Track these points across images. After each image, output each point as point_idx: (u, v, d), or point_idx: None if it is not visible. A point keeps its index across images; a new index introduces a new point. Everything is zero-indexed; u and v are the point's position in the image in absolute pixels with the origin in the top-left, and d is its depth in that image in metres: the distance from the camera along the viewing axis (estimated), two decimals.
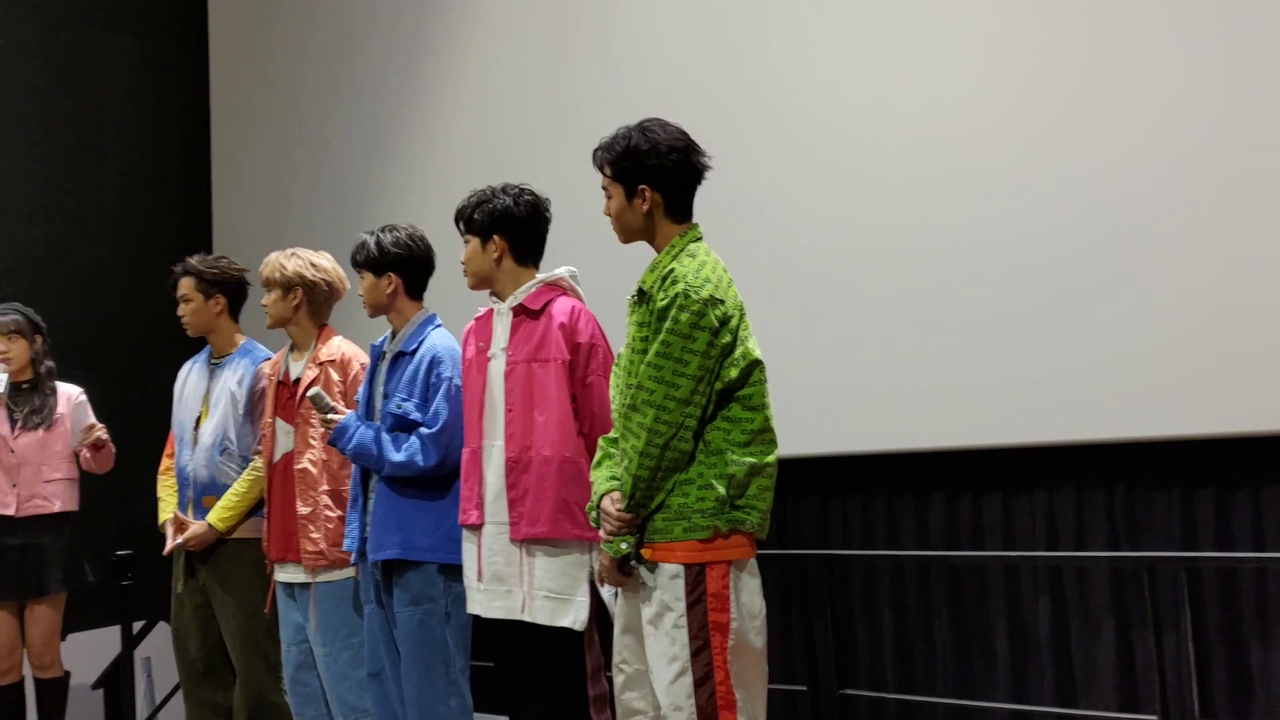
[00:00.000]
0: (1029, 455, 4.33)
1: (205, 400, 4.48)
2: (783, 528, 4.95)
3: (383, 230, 3.88)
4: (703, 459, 2.96)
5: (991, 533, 4.48)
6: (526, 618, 3.41)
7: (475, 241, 3.57)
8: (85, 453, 4.86)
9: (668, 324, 2.92)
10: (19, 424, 4.74)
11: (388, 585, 3.77)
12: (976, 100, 4.36)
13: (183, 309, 4.49)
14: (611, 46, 5.31)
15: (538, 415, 3.41)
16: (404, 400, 3.74)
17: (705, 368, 2.93)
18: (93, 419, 4.95)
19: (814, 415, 4.62)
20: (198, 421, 4.47)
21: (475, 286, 3.63)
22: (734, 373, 2.96)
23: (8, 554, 4.66)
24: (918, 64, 4.48)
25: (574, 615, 3.37)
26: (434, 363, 3.74)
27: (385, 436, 3.72)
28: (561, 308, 3.48)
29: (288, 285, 4.15)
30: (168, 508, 4.52)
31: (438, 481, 3.69)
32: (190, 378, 4.58)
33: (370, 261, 3.84)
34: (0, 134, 6.70)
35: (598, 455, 3.19)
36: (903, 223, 4.49)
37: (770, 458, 3.00)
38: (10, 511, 4.68)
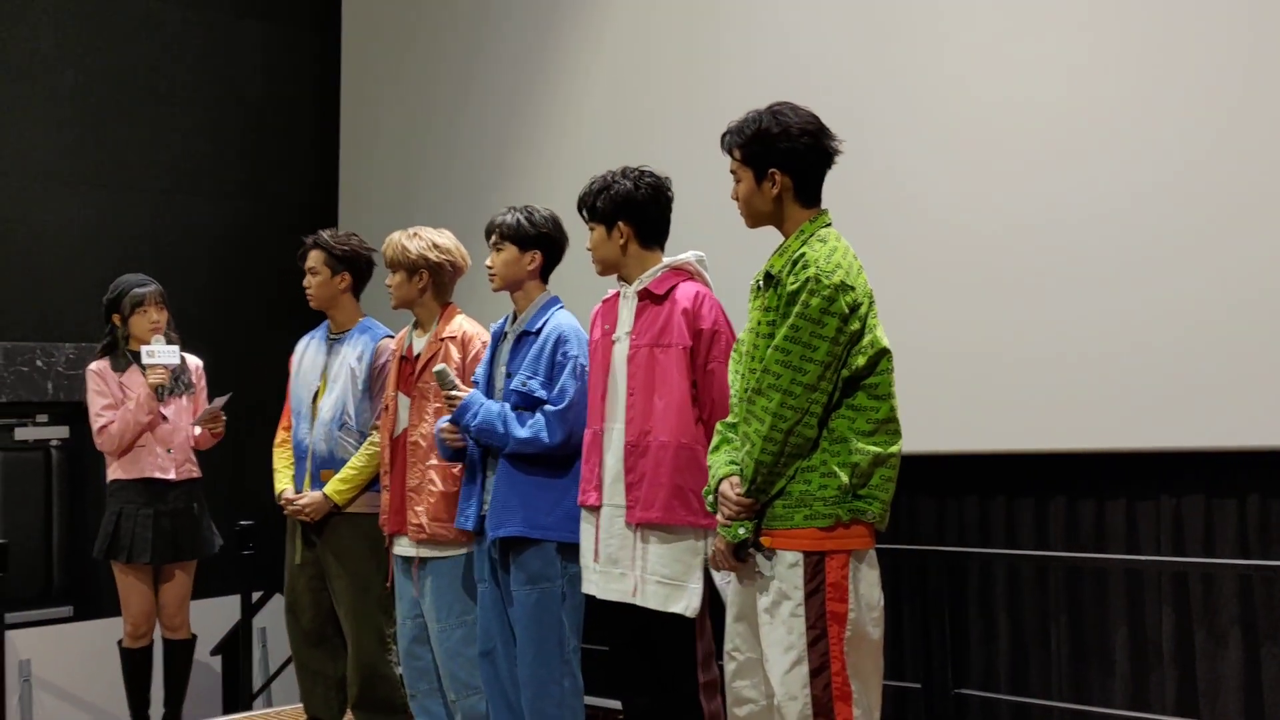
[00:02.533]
0: (1157, 461, 4.22)
1: (324, 375, 4.55)
2: (897, 525, 4.87)
3: (527, 209, 3.90)
4: (826, 446, 2.93)
5: (1114, 538, 4.38)
6: (639, 601, 3.42)
7: (600, 229, 3.58)
8: (202, 432, 4.93)
9: (797, 308, 2.90)
10: (167, 391, 4.87)
11: (504, 563, 3.80)
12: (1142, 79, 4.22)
13: (309, 281, 4.56)
14: (750, 27, 5.26)
15: (657, 400, 3.41)
16: (529, 378, 3.76)
17: (833, 354, 2.90)
18: (205, 386, 5.06)
19: (934, 412, 4.55)
20: (315, 396, 4.55)
21: (603, 273, 3.65)
22: (861, 360, 2.93)
23: (162, 519, 4.80)
24: (1065, 41, 4.34)
25: (686, 601, 3.37)
26: (560, 341, 3.76)
27: (510, 413, 3.74)
28: (685, 293, 3.47)
29: (413, 267, 4.18)
30: (284, 478, 4.61)
31: (560, 460, 3.70)
32: (308, 352, 4.66)
33: (517, 235, 3.86)
34: (137, 113, 6.91)
35: (715, 440, 3.18)
36: (1050, 224, 4.34)
37: (894, 448, 2.97)
38: (170, 476, 4.81)
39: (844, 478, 2.91)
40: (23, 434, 6.66)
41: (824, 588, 2.91)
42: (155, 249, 6.61)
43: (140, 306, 4.84)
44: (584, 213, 3.62)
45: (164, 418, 4.84)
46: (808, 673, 2.90)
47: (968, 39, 4.56)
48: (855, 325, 2.92)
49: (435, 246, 4.21)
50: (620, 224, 3.54)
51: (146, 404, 4.78)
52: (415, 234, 4.23)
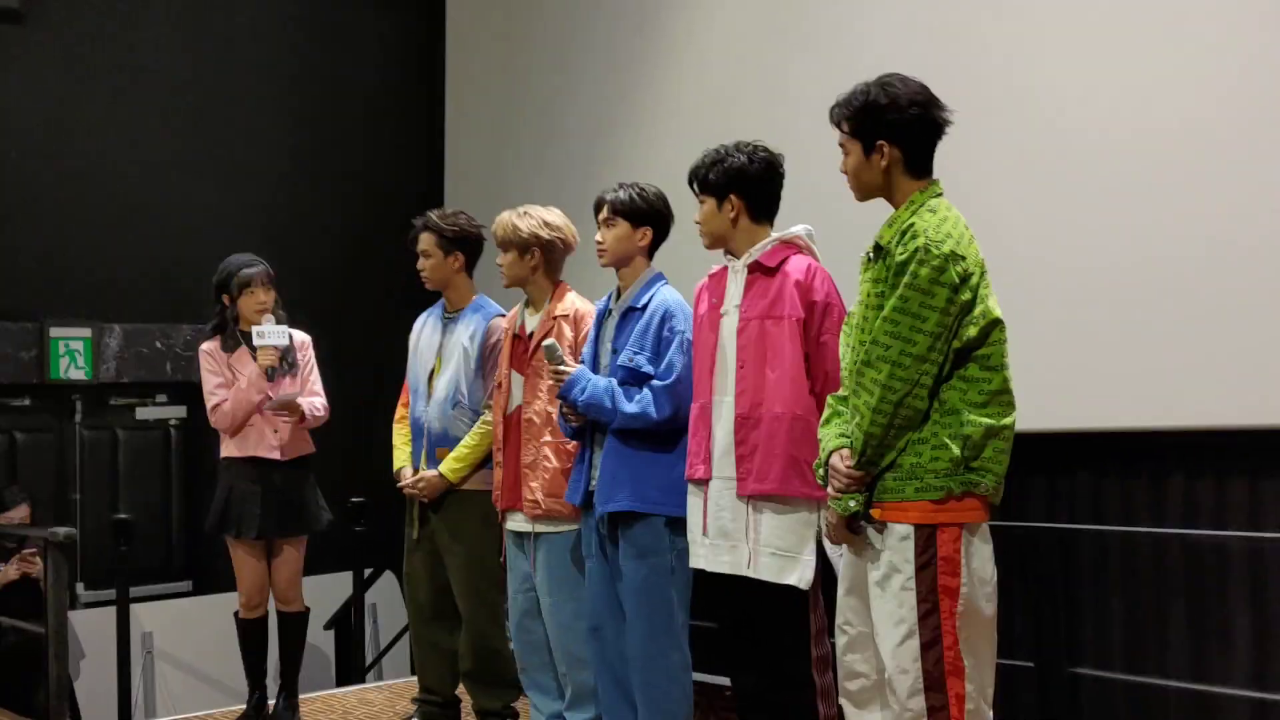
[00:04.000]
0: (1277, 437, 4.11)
1: (439, 353, 4.61)
2: (1008, 502, 4.81)
3: (636, 185, 3.90)
4: (938, 418, 2.90)
5: (1235, 515, 4.27)
6: (751, 573, 3.41)
7: (711, 202, 3.58)
8: (270, 412, 4.90)
9: (906, 279, 2.87)
10: (277, 372, 4.94)
11: (613, 538, 3.82)
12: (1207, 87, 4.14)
13: (422, 263, 4.61)
14: (844, 23, 5.23)
15: (770, 372, 3.40)
16: (635, 354, 3.77)
17: (944, 324, 2.87)
18: (314, 364, 5.11)
19: (1046, 388, 4.48)
20: (431, 374, 4.61)
21: (711, 246, 3.64)
22: (973, 331, 2.89)
23: (270, 495, 4.89)
24: (1145, 49, 4.28)
25: (800, 573, 3.36)
26: (666, 316, 3.77)
27: (618, 389, 3.75)
28: (797, 265, 3.46)
29: (524, 246, 4.21)
30: (403, 455, 4.68)
31: (667, 435, 3.71)
32: (425, 331, 4.71)
33: (630, 211, 3.86)
34: (249, 101, 7.06)
35: (826, 413, 3.16)
36: (1151, 199, 4.29)
37: (1008, 419, 2.93)
38: (277, 455, 4.90)
39: (956, 450, 2.87)
40: (143, 414, 6.87)
41: (935, 561, 2.88)
42: (269, 232, 6.76)
43: (248, 287, 4.91)
44: (695, 185, 3.62)
45: (270, 398, 4.92)
46: (919, 646, 2.88)
47: (1060, 43, 4.51)
48: (966, 295, 2.88)
49: (546, 224, 4.23)
50: (732, 197, 3.53)
51: (257, 384, 4.85)
52: (525, 212, 4.26)
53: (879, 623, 2.96)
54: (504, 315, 4.56)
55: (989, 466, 2.90)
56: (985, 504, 2.94)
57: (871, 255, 3.04)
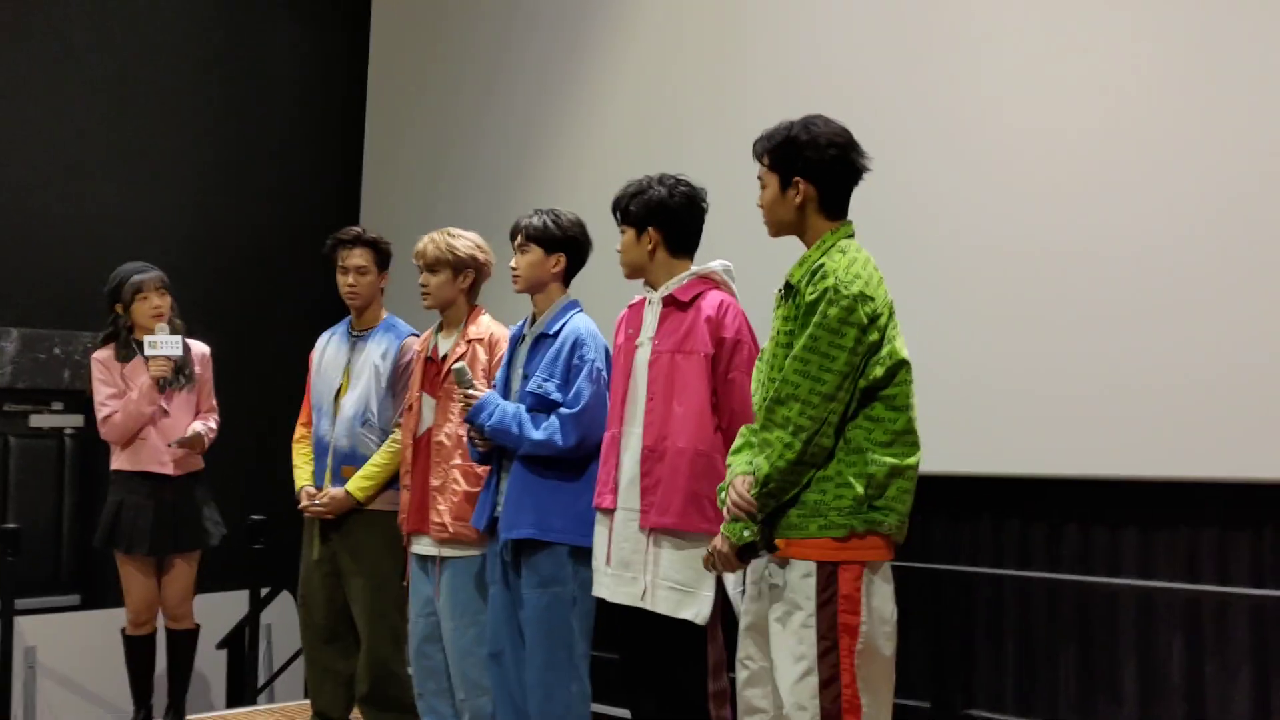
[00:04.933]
0: (1173, 490, 4.19)
1: (346, 371, 4.56)
2: (909, 543, 4.85)
3: (552, 212, 3.91)
4: (842, 456, 2.93)
5: (1127, 565, 4.36)
6: (648, 606, 3.42)
7: (631, 232, 3.59)
8: (175, 448, 4.83)
9: (815, 318, 2.91)
10: (169, 383, 4.84)
11: (516, 565, 3.80)
12: (1157, 91, 4.22)
13: (356, 280, 4.54)
14: (779, 38, 5.26)
15: (677, 406, 3.41)
16: (545, 380, 3.76)
17: (851, 364, 2.90)
18: (210, 378, 5.02)
19: (949, 433, 4.54)
20: (338, 392, 4.55)
21: (630, 276, 3.66)
22: (879, 371, 2.93)
23: (163, 511, 4.78)
24: (1105, 67, 4.34)
25: (696, 608, 3.37)
26: (577, 344, 3.77)
27: (525, 415, 3.74)
28: (710, 301, 3.48)
29: (459, 267, 4.19)
30: (304, 474, 4.62)
31: (573, 463, 3.71)
32: (329, 349, 4.66)
33: (543, 237, 3.87)
34: (166, 106, 6.94)
35: (737, 442, 3.18)
36: (1077, 252, 4.32)
37: (912, 459, 2.97)
38: (168, 470, 4.79)
39: (859, 489, 2.91)
40: (38, 421, 6.67)
41: (836, 599, 2.90)
42: (176, 241, 6.64)
43: (140, 293, 4.81)
44: (616, 214, 3.63)
45: (165, 411, 4.81)
46: (817, 684, 2.90)
47: (1003, 62, 4.56)
48: (874, 336, 2.92)
49: (479, 246, 4.24)
50: (651, 229, 3.55)
51: (149, 395, 4.76)
52: (456, 234, 4.23)
53: (778, 659, 2.97)
54: (417, 335, 4.53)
55: (892, 505, 2.93)
56: (888, 543, 2.97)
57: (783, 293, 3.07)
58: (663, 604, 3.40)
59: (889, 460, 2.92)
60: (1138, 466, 4.18)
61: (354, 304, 4.59)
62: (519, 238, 3.89)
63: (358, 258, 4.55)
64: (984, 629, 4.67)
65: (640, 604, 3.44)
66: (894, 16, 4.89)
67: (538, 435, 3.71)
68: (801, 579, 2.93)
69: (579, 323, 3.83)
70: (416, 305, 4.39)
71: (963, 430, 4.54)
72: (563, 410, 3.72)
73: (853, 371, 2.91)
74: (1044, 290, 4.39)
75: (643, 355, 3.53)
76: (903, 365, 2.96)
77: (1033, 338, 4.41)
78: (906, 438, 2.97)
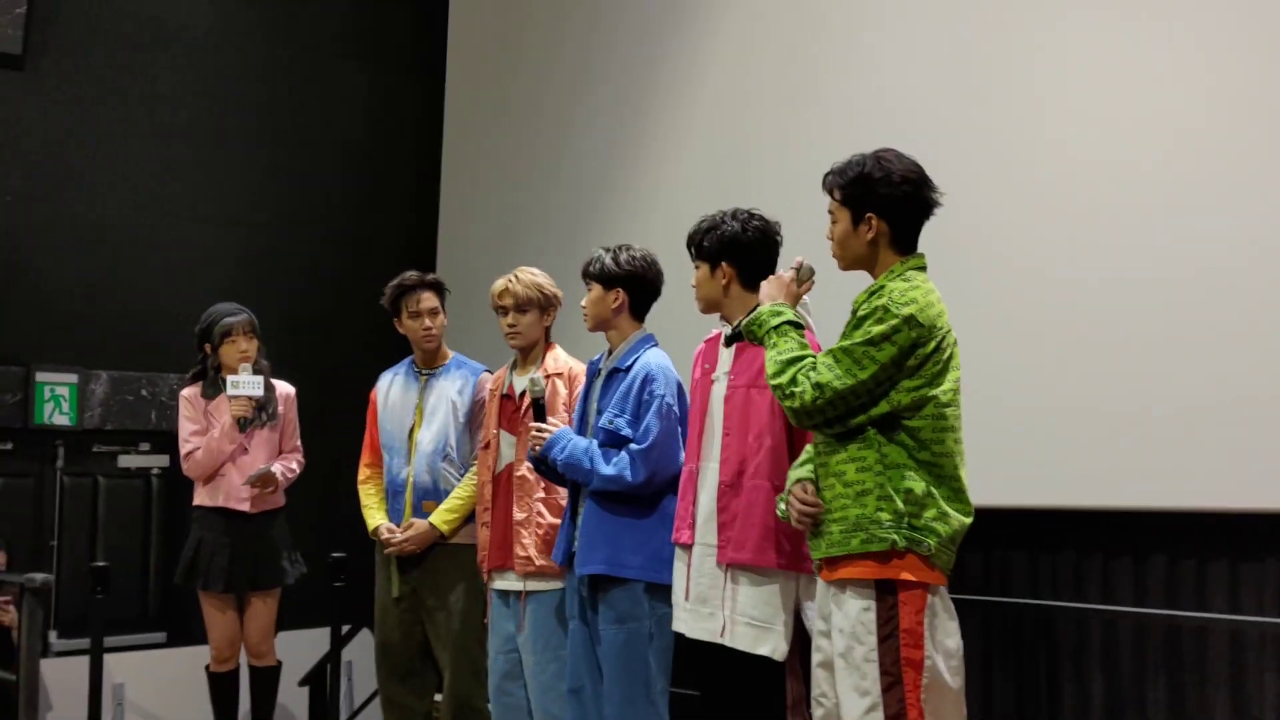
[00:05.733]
0: (1262, 521, 4.11)
1: (418, 409, 4.61)
2: (988, 577, 4.83)
3: (618, 248, 3.94)
4: (881, 470, 2.94)
5: (1217, 598, 4.27)
6: (727, 642, 3.40)
7: (705, 267, 3.60)
8: (253, 491, 4.90)
9: (860, 330, 2.94)
10: (250, 422, 4.91)
11: (593, 601, 3.80)
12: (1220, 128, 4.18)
13: (431, 322, 4.63)
14: (848, 77, 5.28)
15: (752, 440, 3.41)
16: (616, 416, 3.78)
17: (878, 379, 2.92)
18: (295, 418, 5.10)
19: (1030, 466, 4.50)
20: (411, 430, 4.60)
21: (705, 311, 3.67)
22: (905, 399, 2.94)
23: (239, 549, 4.84)
24: (1158, 91, 4.33)
25: (773, 644, 3.35)
26: (647, 380, 3.78)
27: (596, 450, 3.76)
28: None
29: (545, 305, 4.25)
30: (378, 514, 4.65)
31: (647, 499, 3.71)
32: (394, 389, 4.72)
33: (602, 274, 3.90)
34: (246, 151, 7.09)
35: (801, 458, 3.21)
36: (1149, 281, 4.32)
37: (941, 489, 2.94)
38: (246, 507, 4.86)
39: (899, 503, 2.92)
40: (126, 461, 6.81)
41: (898, 633, 2.90)
42: (259, 282, 6.76)
43: (229, 336, 4.90)
44: (691, 250, 3.65)
45: (244, 449, 4.89)
46: (883, 718, 2.88)
47: (1070, 95, 4.56)
48: (913, 362, 2.93)
49: (553, 284, 4.28)
50: (724, 264, 3.56)
51: (229, 434, 4.84)
52: (534, 273, 4.28)
53: (843, 694, 2.97)
54: (489, 371, 4.57)
55: (933, 527, 2.92)
56: (931, 565, 2.94)
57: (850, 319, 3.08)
58: (741, 640, 3.39)
59: (924, 480, 2.93)
60: (1225, 498, 4.10)
61: (430, 347, 4.65)
62: (585, 276, 3.93)
63: (429, 300, 4.63)
64: (1069, 664, 4.60)
65: (718, 640, 3.43)
66: (961, 51, 4.90)
67: (608, 471, 3.72)
68: (861, 612, 2.93)
69: (650, 358, 3.85)
70: (477, 342, 4.44)
71: (1044, 462, 4.49)
72: (632, 446, 3.73)
73: (877, 387, 2.92)
74: (1125, 319, 4.35)
75: (719, 390, 3.53)
76: (931, 401, 2.94)
77: (1115, 368, 4.36)
78: (953, 484, 2.96)
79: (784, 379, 3.02)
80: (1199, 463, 4.14)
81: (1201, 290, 4.18)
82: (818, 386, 2.95)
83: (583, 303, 3.95)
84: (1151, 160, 4.33)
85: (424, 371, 4.69)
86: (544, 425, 3.85)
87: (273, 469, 4.88)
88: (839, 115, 5.22)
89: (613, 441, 3.77)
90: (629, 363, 3.86)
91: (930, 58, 4.98)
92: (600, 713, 3.81)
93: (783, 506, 3.16)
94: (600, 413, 3.85)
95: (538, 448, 3.84)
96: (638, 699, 3.71)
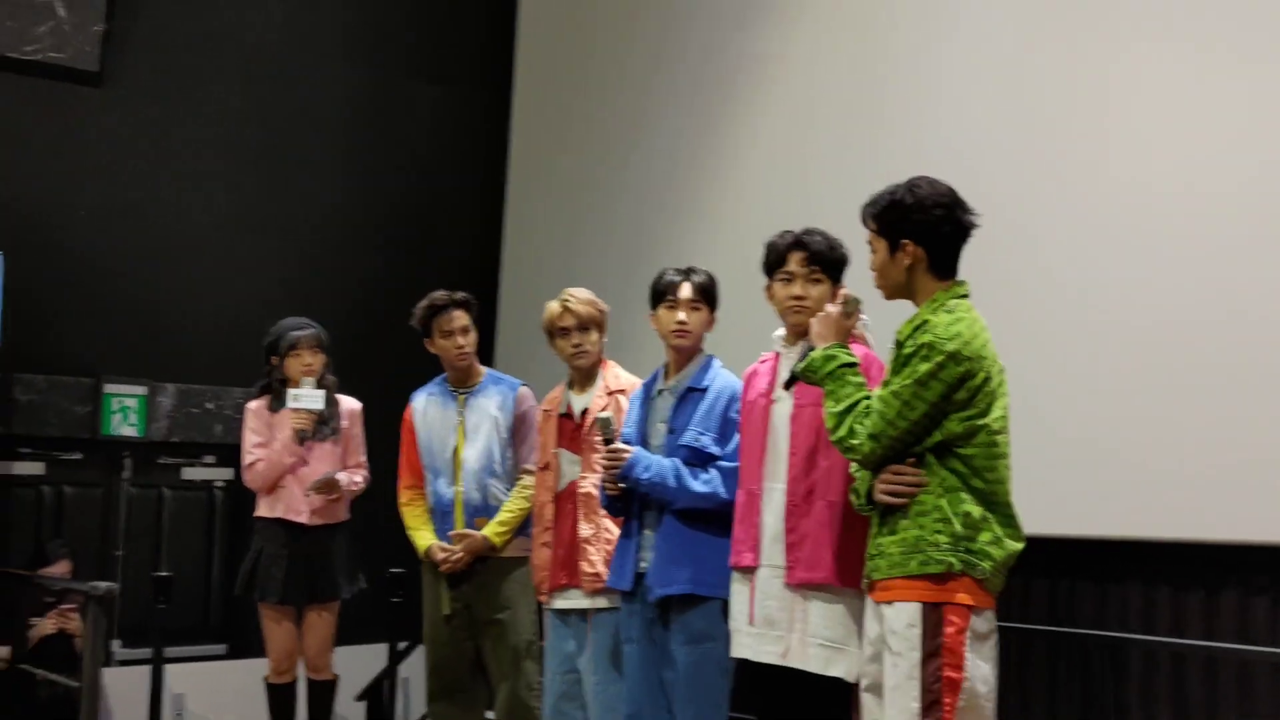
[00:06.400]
0: None
1: (460, 429, 4.62)
2: (1055, 608, 4.75)
3: (703, 270, 3.94)
4: (940, 493, 2.95)
5: None
6: (798, 664, 3.36)
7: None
8: (314, 497, 4.91)
9: (907, 369, 2.96)
10: (309, 435, 4.94)
11: (664, 621, 3.76)
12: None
13: (464, 340, 4.66)
14: (915, 104, 5.27)
15: (822, 460, 3.37)
16: (700, 434, 3.75)
17: (930, 416, 2.95)
18: (361, 433, 5.11)
19: (1096, 496, 4.43)
20: (454, 450, 4.61)
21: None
22: (957, 428, 2.96)
23: (297, 560, 4.87)
24: (1227, 128, 4.27)
25: (846, 665, 3.30)
26: (734, 399, 3.76)
27: (683, 468, 3.74)
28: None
29: (603, 325, 4.27)
30: (427, 535, 4.66)
31: (725, 517, 3.66)
32: (430, 409, 4.73)
33: (712, 297, 3.93)
34: (314, 168, 7.17)
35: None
36: (1204, 292, 4.27)
37: (994, 515, 2.95)
38: (303, 519, 4.88)
39: (957, 525, 2.92)
40: (190, 474, 6.89)
41: (941, 652, 2.89)
42: (326, 298, 6.81)
43: (294, 350, 4.93)
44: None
45: (304, 462, 4.91)
46: None
47: (1133, 126, 4.55)
48: (962, 395, 2.94)
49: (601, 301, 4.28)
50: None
51: (289, 446, 4.86)
52: (584, 291, 4.28)
53: (887, 713, 2.97)
54: (526, 386, 4.62)
55: (988, 551, 2.93)
56: (984, 589, 2.94)
57: (894, 351, 3.07)
58: (813, 662, 3.34)
59: (981, 506, 2.94)
60: None
61: (464, 365, 4.67)
62: (690, 293, 3.88)
63: (461, 319, 4.65)
64: (1136, 697, 4.50)
65: (790, 663, 3.37)
66: (1027, 77, 4.89)
67: (701, 488, 3.70)
68: (906, 628, 2.94)
69: (730, 377, 3.84)
70: (543, 359, 4.44)
71: (1110, 493, 4.43)
72: (723, 463, 3.71)
73: (930, 423, 2.95)
74: (1191, 351, 4.29)
75: (782, 410, 3.48)
76: (982, 429, 2.95)
77: (1182, 399, 4.31)
78: (1005, 510, 2.97)
79: (843, 431, 3.06)
80: (1271, 496, 4.04)
81: (1274, 326, 4.10)
82: (873, 438, 3.00)
83: (682, 319, 3.84)
84: (1215, 195, 4.28)
85: (460, 390, 4.70)
86: (620, 447, 3.81)
87: (337, 476, 4.90)
88: (904, 136, 5.20)
89: (696, 459, 3.75)
90: (705, 382, 3.85)
91: (996, 81, 4.96)
92: None
93: (852, 497, 3.18)
94: (673, 432, 3.82)
95: (614, 471, 3.79)
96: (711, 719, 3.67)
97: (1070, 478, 4.41)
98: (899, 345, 3.04)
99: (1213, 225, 4.30)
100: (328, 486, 4.84)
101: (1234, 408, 4.17)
